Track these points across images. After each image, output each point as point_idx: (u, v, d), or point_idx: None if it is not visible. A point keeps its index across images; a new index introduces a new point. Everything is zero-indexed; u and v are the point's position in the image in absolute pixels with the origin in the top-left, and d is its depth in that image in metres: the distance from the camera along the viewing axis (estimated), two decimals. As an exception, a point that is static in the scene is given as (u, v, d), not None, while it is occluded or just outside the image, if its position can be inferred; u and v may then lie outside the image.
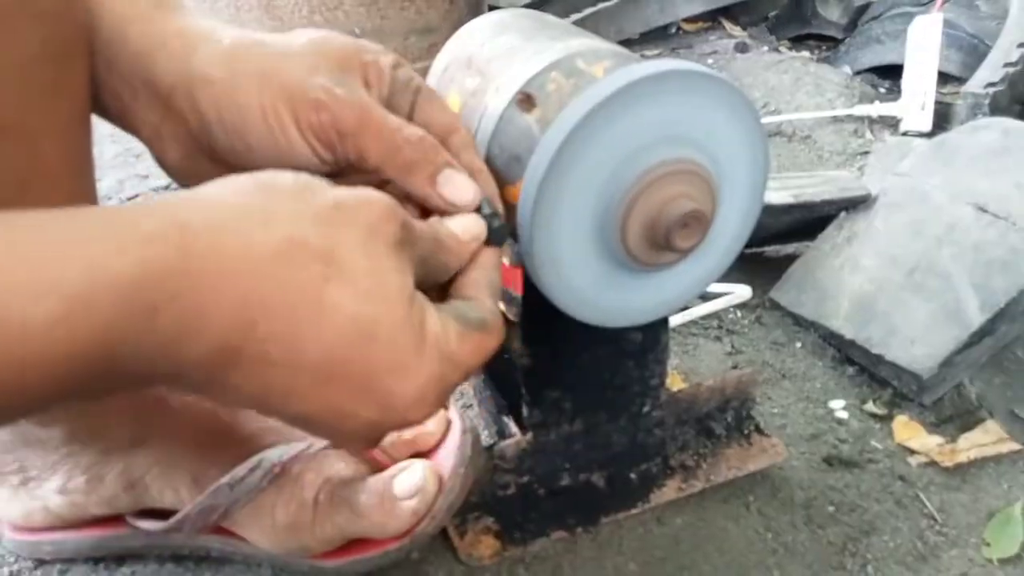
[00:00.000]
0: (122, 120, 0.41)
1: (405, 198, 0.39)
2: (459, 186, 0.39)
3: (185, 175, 0.41)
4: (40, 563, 0.56)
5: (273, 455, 0.50)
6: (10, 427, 0.50)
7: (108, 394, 0.28)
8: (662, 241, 0.42)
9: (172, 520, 0.51)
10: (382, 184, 0.42)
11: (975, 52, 1.34)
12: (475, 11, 1.09)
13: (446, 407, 0.56)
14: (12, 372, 0.24)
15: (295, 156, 0.38)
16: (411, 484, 0.50)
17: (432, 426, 0.55)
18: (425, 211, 0.40)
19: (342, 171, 0.40)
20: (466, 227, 0.39)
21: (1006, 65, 1.17)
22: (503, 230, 0.41)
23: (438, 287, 0.39)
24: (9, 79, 0.34)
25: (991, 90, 1.16)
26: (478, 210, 0.40)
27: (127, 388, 0.29)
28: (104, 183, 1.06)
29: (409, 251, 0.34)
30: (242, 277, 0.29)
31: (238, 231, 0.29)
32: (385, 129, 0.38)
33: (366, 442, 0.35)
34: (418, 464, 0.52)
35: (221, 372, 0.29)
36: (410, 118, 0.41)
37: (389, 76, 0.40)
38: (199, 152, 0.40)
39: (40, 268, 0.24)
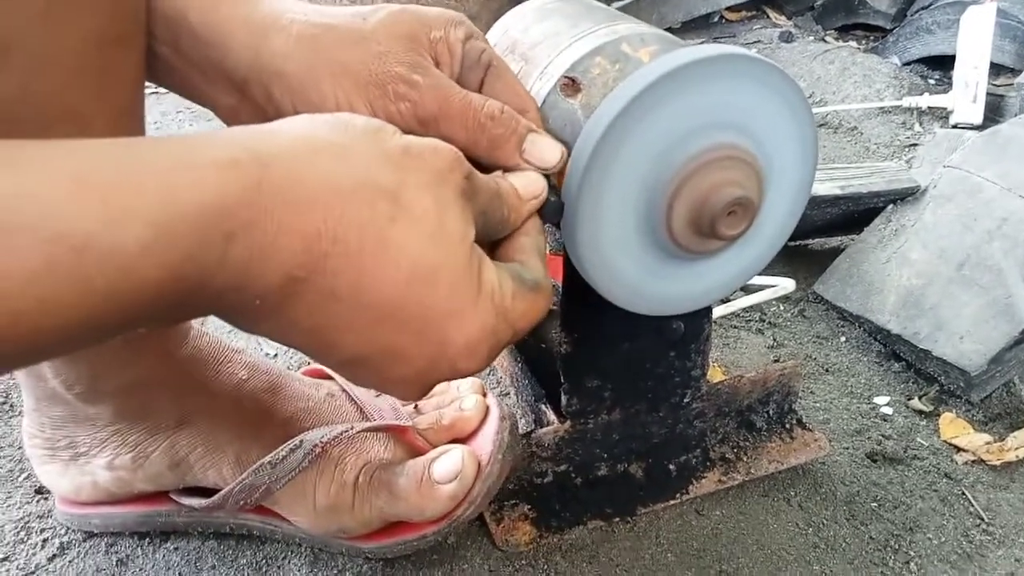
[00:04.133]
0: (197, 99, 0.41)
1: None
2: (546, 147, 0.40)
3: None
4: (89, 535, 0.57)
5: (314, 436, 0.51)
6: (61, 405, 0.52)
7: (173, 323, 0.28)
8: (707, 228, 0.42)
9: (215, 497, 0.52)
10: None
11: (1030, 42, 1.30)
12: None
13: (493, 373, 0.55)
14: (99, 297, 0.24)
15: None
16: (450, 468, 0.51)
17: (471, 412, 0.55)
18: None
19: None
20: (528, 183, 0.39)
21: (1063, 55, 1.13)
22: (557, 206, 0.41)
23: (490, 247, 0.39)
24: (65, 64, 0.35)
25: (1047, 81, 1.12)
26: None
27: (190, 317, 0.29)
28: (151, 169, 1.08)
29: (472, 202, 0.34)
30: (316, 210, 0.29)
31: (313, 163, 0.29)
32: (468, 111, 0.38)
33: (414, 389, 0.35)
34: (457, 449, 0.52)
35: (284, 304, 0.29)
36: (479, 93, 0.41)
37: (460, 51, 0.40)
38: None
39: (121, 195, 0.24)
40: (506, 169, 0.39)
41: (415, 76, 0.38)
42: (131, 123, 0.41)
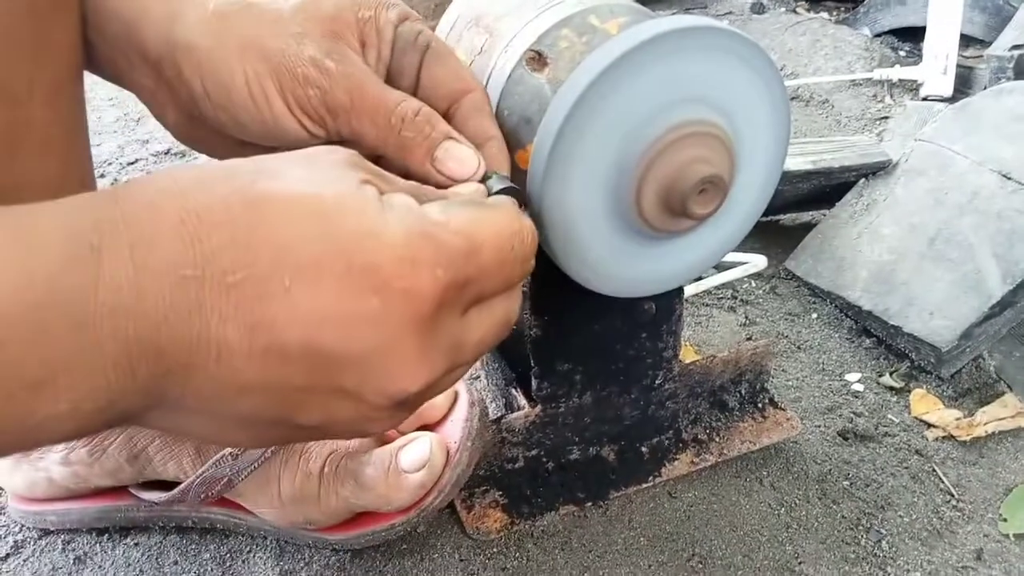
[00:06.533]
0: (120, 83, 0.39)
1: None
2: (459, 159, 0.36)
3: (186, 138, 0.40)
4: (45, 533, 0.55)
5: (276, 427, 0.49)
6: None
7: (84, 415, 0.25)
8: (678, 207, 0.40)
9: (175, 491, 0.51)
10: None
11: (999, 14, 1.29)
12: (484, -29, 1.05)
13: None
14: None
15: (283, 129, 0.36)
16: (418, 457, 0.49)
17: (439, 398, 0.53)
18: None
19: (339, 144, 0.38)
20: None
21: (1032, 27, 1.13)
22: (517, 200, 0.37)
23: None
24: None
25: (1016, 53, 1.12)
26: (484, 181, 0.37)
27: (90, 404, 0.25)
28: (104, 148, 1.04)
29: (366, 174, 0.29)
30: (171, 200, 0.25)
31: (160, 176, 0.27)
32: (380, 108, 0.35)
33: (395, 354, 0.27)
34: (425, 437, 0.51)
35: (193, 321, 0.25)
36: (417, 79, 0.39)
37: (391, 34, 0.38)
38: (196, 118, 0.38)
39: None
40: (416, 177, 0.36)
41: (328, 62, 0.35)
42: (71, 95, 0.38)
